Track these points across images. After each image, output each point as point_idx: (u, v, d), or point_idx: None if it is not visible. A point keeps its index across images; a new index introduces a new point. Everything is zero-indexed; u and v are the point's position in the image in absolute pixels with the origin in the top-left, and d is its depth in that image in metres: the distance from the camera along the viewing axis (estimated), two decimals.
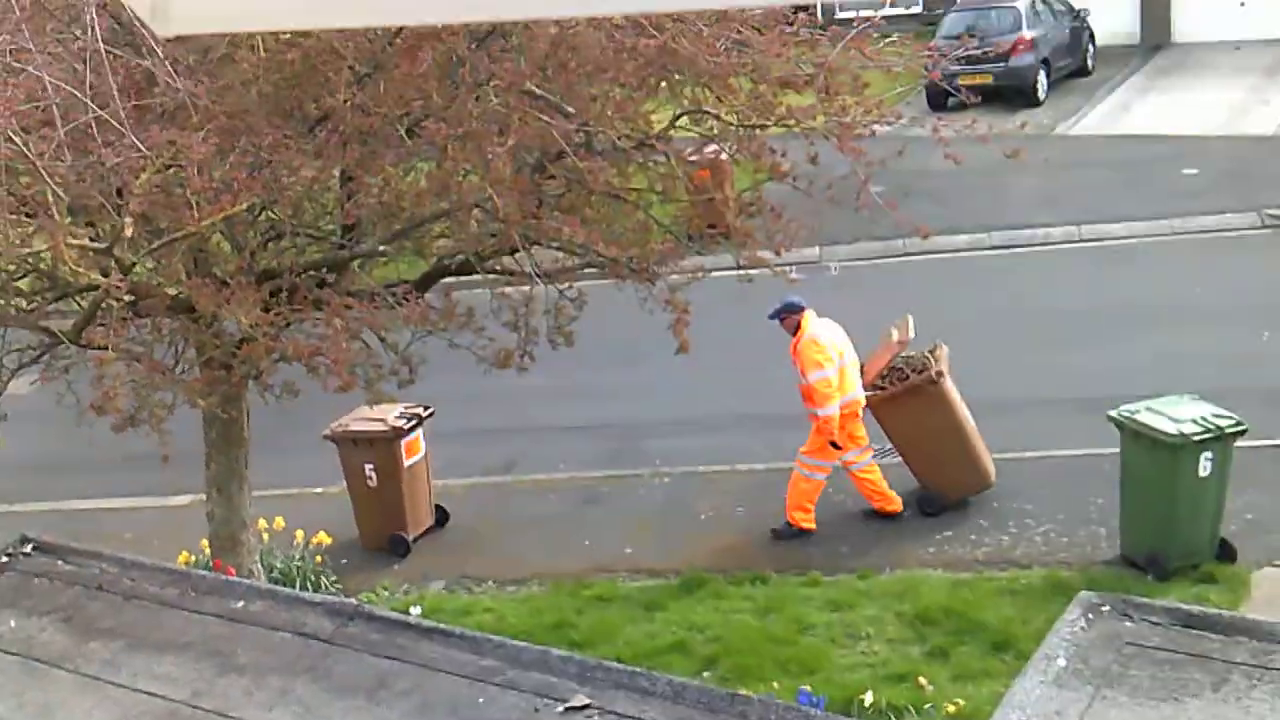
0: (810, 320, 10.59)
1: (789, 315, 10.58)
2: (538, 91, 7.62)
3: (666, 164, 8.44)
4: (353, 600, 4.51)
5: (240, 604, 4.42)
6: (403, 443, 11.32)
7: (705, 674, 8.86)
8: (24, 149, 6.57)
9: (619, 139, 7.96)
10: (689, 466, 12.33)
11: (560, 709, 3.62)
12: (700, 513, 11.51)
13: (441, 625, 4.22)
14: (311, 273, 8.44)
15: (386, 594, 10.70)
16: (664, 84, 8.26)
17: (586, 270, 9.34)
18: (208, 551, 9.98)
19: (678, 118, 8.42)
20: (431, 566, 11.26)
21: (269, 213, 8.41)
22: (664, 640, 9.52)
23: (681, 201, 9.17)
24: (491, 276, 9.16)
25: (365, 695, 3.81)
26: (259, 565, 10.11)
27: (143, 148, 6.77)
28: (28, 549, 4.96)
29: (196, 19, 0.76)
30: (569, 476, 12.69)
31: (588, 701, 3.63)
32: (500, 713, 3.66)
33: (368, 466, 11.33)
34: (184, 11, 0.74)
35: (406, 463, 11.39)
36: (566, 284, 9.09)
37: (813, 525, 10.83)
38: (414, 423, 11.39)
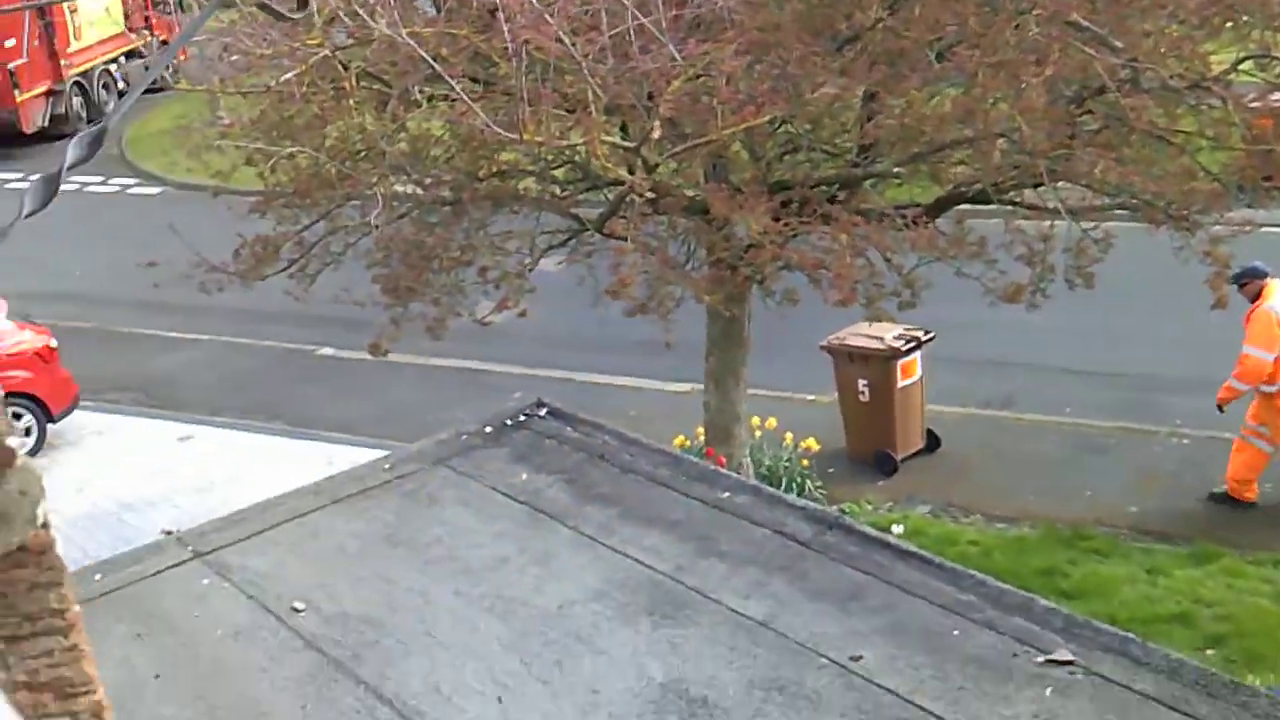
0: (1274, 290, 10.51)
1: (1250, 281, 10.58)
2: (1084, 23, 7.68)
3: (1222, 109, 8.19)
4: (834, 509, 5.00)
5: (726, 495, 4.96)
6: (899, 363, 11.92)
7: (1209, 652, 8.70)
8: (571, 50, 7.69)
9: (1170, 78, 7.87)
10: (1212, 431, 11.94)
11: (1040, 659, 3.69)
12: (1218, 482, 11.21)
13: (920, 551, 4.45)
14: (824, 187, 9.06)
15: (870, 508, 11.41)
16: (1229, 24, 8.03)
17: (1116, 211, 9.34)
18: (702, 438, 11.16)
19: (1240, 61, 8.13)
20: (918, 488, 11.82)
21: (788, 126, 9.12)
22: (1165, 609, 9.38)
23: (1236, 150, 8.85)
24: (1009, 208, 9.38)
25: (837, 603, 4.13)
26: (748, 459, 11.17)
27: (678, 56, 7.69)
28: (542, 412, 5.97)
29: None
30: (1073, 421, 12.67)
31: (1071, 658, 3.65)
32: (975, 649, 3.79)
33: (861, 382, 12.07)
34: None
35: (901, 383, 12.00)
36: (1093, 223, 9.15)
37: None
38: (912, 345, 11.94)
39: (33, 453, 13.04)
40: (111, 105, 28.51)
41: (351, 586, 4.58)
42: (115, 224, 21.28)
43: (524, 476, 5.30)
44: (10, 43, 25.73)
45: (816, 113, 8.76)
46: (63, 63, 27.27)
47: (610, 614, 4.26)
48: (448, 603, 4.42)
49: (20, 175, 24.38)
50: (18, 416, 12.93)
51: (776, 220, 8.50)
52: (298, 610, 4.44)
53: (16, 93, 25.94)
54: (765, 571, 4.41)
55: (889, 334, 11.73)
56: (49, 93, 26.92)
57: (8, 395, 12.60)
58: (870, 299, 8.99)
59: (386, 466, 5.53)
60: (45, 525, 0.64)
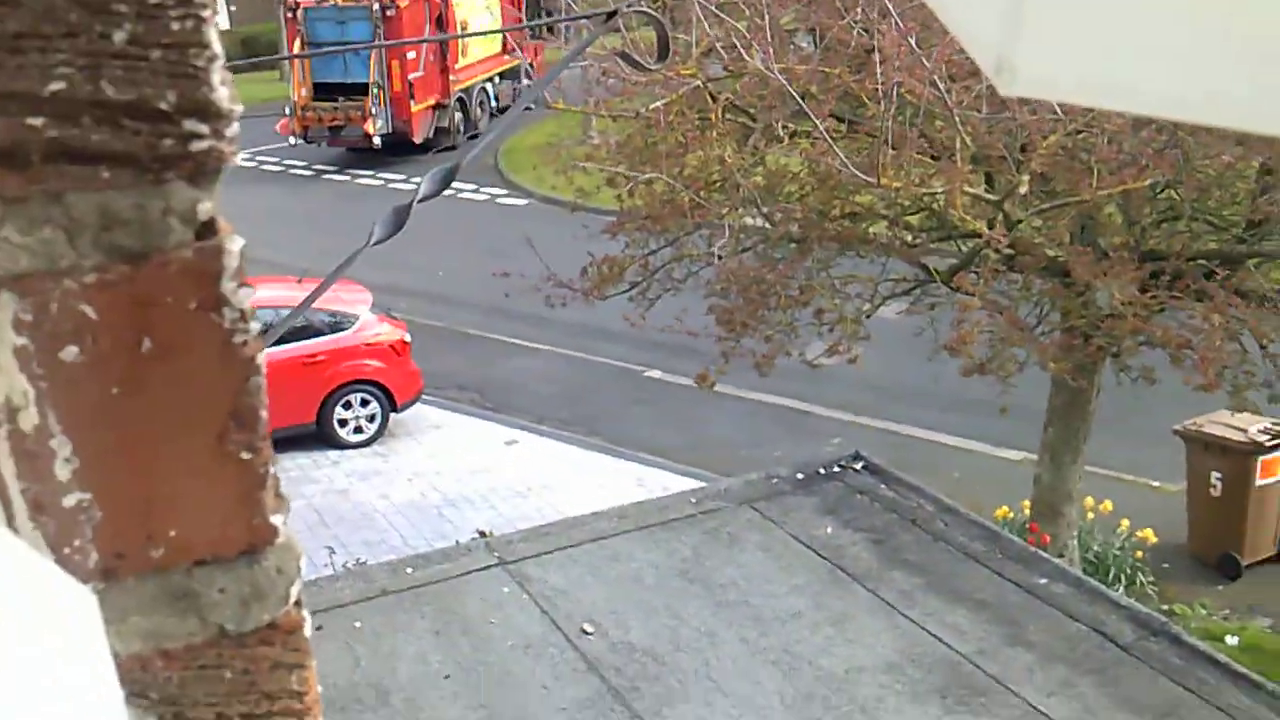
0: None
1: None
2: None
3: None
4: (1160, 615, 4.59)
5: (1043, 581, 4.67)
6: (1260, 459, 10.89)
7: None
8: (944, 96, 7.44)
9: None
10: None
11: None
12: None
13: (1254, 673, 4.06)
14: (1201, 262, 8.40)
15: (1204, 613, 10.48)
16: None
17: None
18: (1027, 513, 10.56)
19: None
20: (1262, 599, 10.78)
21: (1171, 192, 8.50)
22: None
23: None
24: None
25: (1152, 718, 3.82)
26: (1075, 542, 10.47)
27: (1060, 110, 7.28)
28: (858, 465, 5.77)
29: (1042, 84, 0.72)
30: None
31: None
32: None
33: (1214, 474, 11.10)
34: (1031, 75, 0.70)
35: (1259, 482, 10.96)
36: None
37: None
38: (1277, 441, 10.90)
39: (373, 439, 13.84)
40: (484, 123, 30.09)
41: (641, 617, 4.50)
42: (481, 230, 22.43)
43: (829, 530, 5.09)
44: (411, 55, 27.46)
45: (1205, 181, 8.11)
46: (450, 78, 28.92)
47: (900, 689, 3.99)
48: (733, 649, 4.25)
49: (404, 178, 26.16)
50: (365, 403, 13.76)
51: (1143, 291, 7.94)
52: (586, 632, 4.41)
53: (411, 104, 27.64)
54: (1075, 671, 4.12)
55: (1254, 426, 10.71)
56: (436, 106, 28.57)
57: (360, 382, 13.52)
58: (1237, 387, 8.26)
59: (693, 500, 5.43)
60: (298, 603, 0.54)
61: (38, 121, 0.56)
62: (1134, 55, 0.65)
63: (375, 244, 1.53)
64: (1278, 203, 7.90)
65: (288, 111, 27.31)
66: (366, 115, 26.80)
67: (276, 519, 0.62)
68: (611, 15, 1.60)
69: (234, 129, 0.58)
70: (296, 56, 30.10)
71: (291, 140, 27.61)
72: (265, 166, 28.62)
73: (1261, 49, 0.59)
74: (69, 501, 0.61)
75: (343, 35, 26.41)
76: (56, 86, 0.55)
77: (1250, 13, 0.59)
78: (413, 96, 27.56)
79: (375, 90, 26.80)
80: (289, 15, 27.14)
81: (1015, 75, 0.71)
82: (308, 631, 0.65)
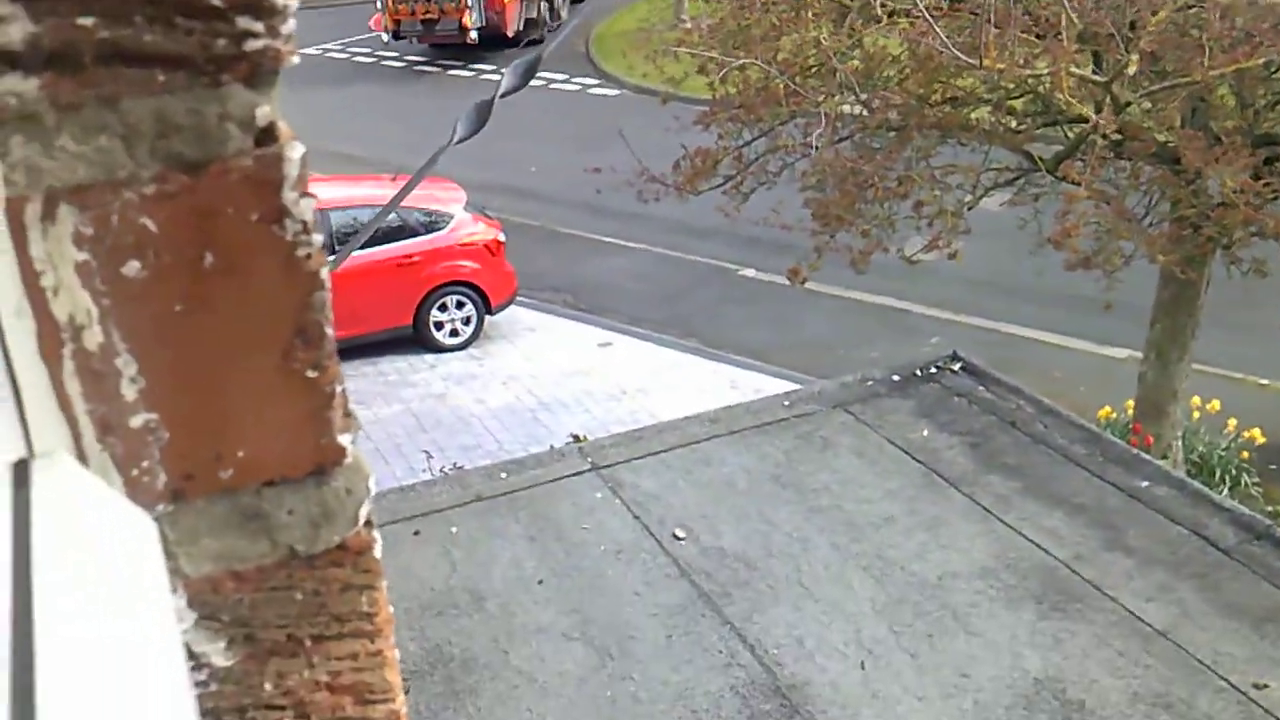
0: None
1: None
2: None
3: None
4: (1264, 518, 4.49)
5: (1145, 484, 4.55)
6: None
7: None
8: None
9: None
10: None
11: None
12: None
13: None
14: None
15: None
16: None
17: None
18: (1130, 413, 10.36)
19: None
20: None
21: None
22: None
23: None
24: None
25: (1250, 623, 3.76)
26: (1180, 443, 10.26)
27: None
28: (956, 366, 5.66)
29: None
30: None
31: None
32: None
33: None
34: None
35: None
36: None
37: None
38: None
39: (469, 341, 13.97)
40: (566, 10, 29.73)
41: (733, 522, 4.50)
42: (573, 122, 22.33)
43: (925, 433, 5.03)
44: None
45: None
46: None
47: (994, 594, 3.96)
48: (825, 555, 4.24)
49: (496, 68, 26.05)
50: (460, 305, 13.87)
51: (1256, 178, 7.65)
52: (678, 538, 4.43)
53: None
54: (1174, 575, 4.03)
55: None
56: None
57: (455, 283, 13.60)
58: None
59: (786, 404, 5.39)
60: (369, 524, 0.53)
61: (88, 21, 0.53)
62: None
63: (458, 142, 1.51)
64: None
65: (379, 5, 26.91)
66: (463, 7, 26.36)
67: (344, 439, 0.61)
68: None
69: (290, 25, 0.55)
70: None
71: (384, 36, 27.25)
72: (358, 59, 28.69)
73: None
74: (136, 422, 0.59)
75: None
76: None
77: None
78: None
79: None
80: None
81: None
82: (377, 552, 0.63)
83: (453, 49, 27.54)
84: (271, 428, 0.59)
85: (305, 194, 0.57)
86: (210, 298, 0.57)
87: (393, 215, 13.38)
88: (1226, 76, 7.63)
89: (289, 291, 0.57)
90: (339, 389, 0.59)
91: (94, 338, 0.58)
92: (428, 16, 26.81)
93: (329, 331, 0.58)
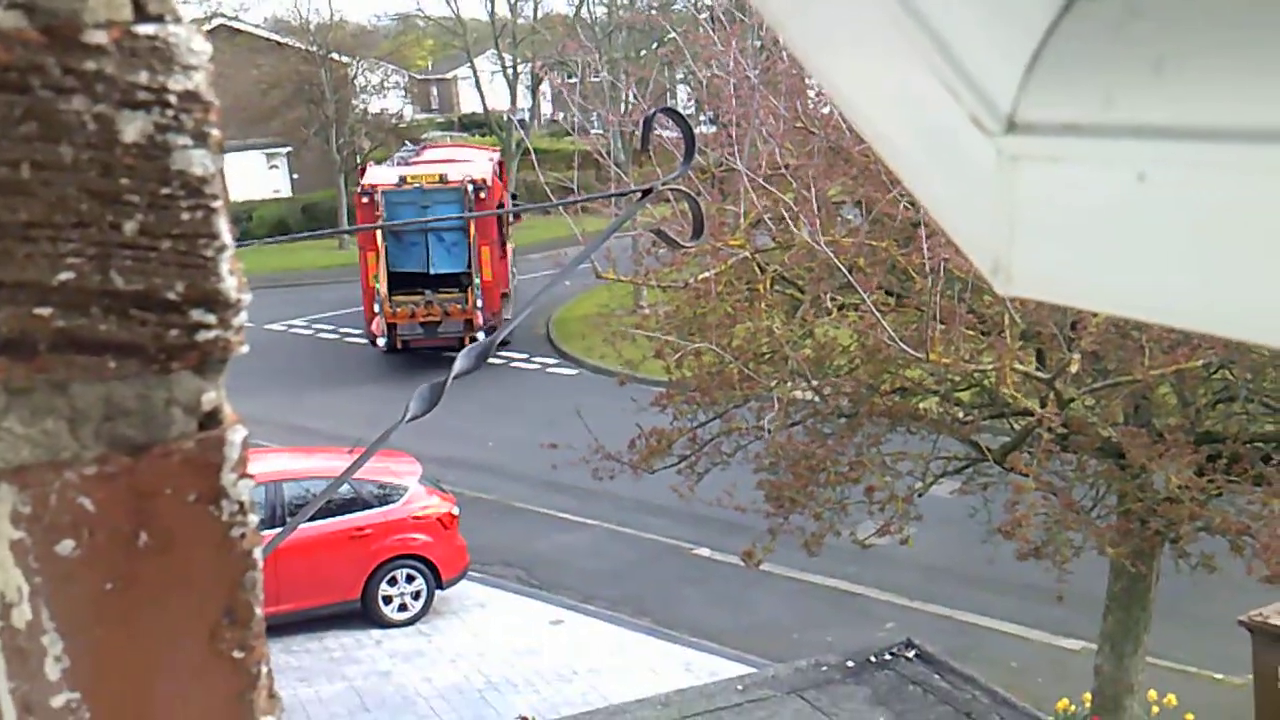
0: None
1: None
2: None
3: None
4: None
5: None
6: None
7: None
8: None
9: None
10: None
11: None
12: None
13: None
14: (1259, 445, 8.28)
15: None
16: None
17: None
18: (1088, 706, 10.19)
19: None
20: None
21: (1225, 372, 8.43)
22: None
23: None
24: None
25: None
26: None
27: None
28: (911, 653, 5.65)
29: (1037, 288, 0.74)
30: None
31: None
32: None
33: None
34: (1026, 279, 0.72)
35: None
36: None
37: None
38: None
39: (418, 617, 13.70)
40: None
41: None
42: (532, 400, 22.62)
43: None
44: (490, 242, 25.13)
45: (1260, 362, 8.03)
46: (510, 264, 27.29)
47: None
48: None
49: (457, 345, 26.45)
50: (411, 579, 13.67)
51: (1200, 475, 7.80)
52: None
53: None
54: None
55: None
56: (504, 294, 25.82)
57: (407, 557, 13.45)
58: None
59: (739, 688, 5.29)
60: None
61: (45, 311, 0.56)
62: (1123, 261, 0.65)
63: (410, 420, 1.54)
64: None
65: (375, 307, 24.15)
66: (471, 308, 23.90)
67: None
68: (647, 193, 1.63)
69: (241, 318, 0.58)
70: (349, 230, 30.10)
71: (379, 343, 24.30)
72: (322, 335, 29.17)
73: (1254, 265, 0.59)
74: (58, 702, 0.59)
75: (420, 213, 24.06)
76: (66, 276, 0.55)
77: (1243, 226, 0.59)
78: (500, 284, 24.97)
79: (476, 279, 23.87)
80: (364, 199, 24.07)
81: (1011, 277, 0.72)
82: None
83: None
84: (195, 709, 0.58)
85: (244, 475, 0.58)
86: (141, 576, 0.57)
87: (346, 487, 13.35)
88: (1167, 376, 7.89)
89: (221, 571, 0.58)
90: (264, 669, 0.59)
91: (22, 615, 0.58)
92: (428, 319, 24.19)
93: (258, 611, 0.59)
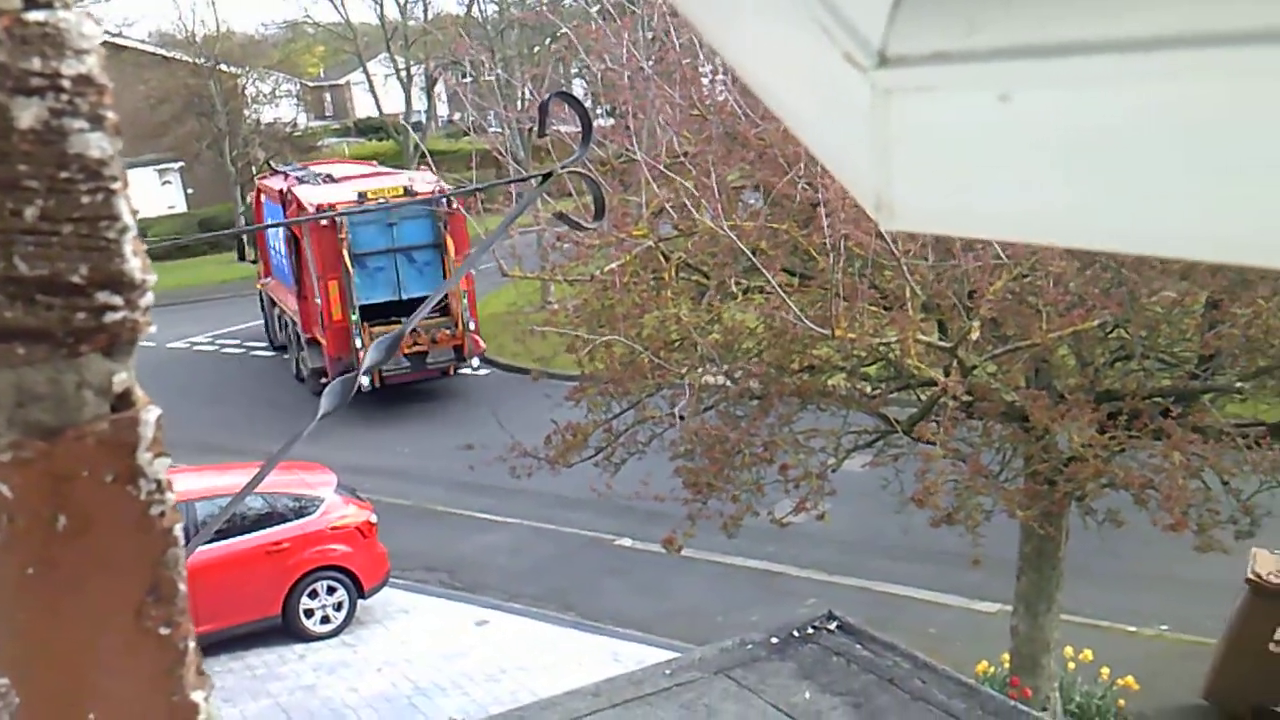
0: None
1: None
2: None
3: None
4: None
5: None
6: None
7: None
8: (891, 246, 7.60)
9: None
10: None
11: None
12: None
13: None
14: (1156, 400, 8.50)
15: None
16: None
17: None
18: (1007, 666, 10.40)
19: None
20: None
21: (1121, 331, 8.65)
22: None
23: None
24: None
25: None
26: (1057, 694, 10.29)
27: (1003, 255, 7.45)
28: (832, 626, 5.70)
29: (919, 220, 0.75)
30: None
31: None
32: None
33: None
34: (908, 212, 0.73)
35: None
36: None
37: None
38: None
39: (341, 628, 13.55)
40: None
41: None
42: (445, 403, 22.47)
43: (807, 695, 4.99)
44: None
45: (1153, 318, 8.26)
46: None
47: None
48: None
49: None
50: (332, 590, 13.51)
51: (1102, 432, 8.01)
52: None
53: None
54: None
55: None
56: None
57: (326, 568, 13.29)
58: (1202, 525, 8.24)
59: (667, 672, 5.32)
60: None
61: None
62: (996, 184, 0.68)
63: (323, 417, 1.53)
64: (1226, 337, 8.04)
65: (353, 344, 21.25)
66: (460, 333, 21.65)
67: (197, 695, 0.61)
68: (548, 177, 1.64)
69: (148, 299, 0.59)
70: (246, 231, 29.10)
71: (363, 384, 19.98)
72: (226, 350, 28.70)
73: (1117, 176, 0.61)
74: None
75: (394, 243, 21.30)
76: None
77: (1104, 138, 0.61)
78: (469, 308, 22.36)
79: (464, 300, 21.55)
80: (320, 222, 21.47)
81: (894, 212, 0.74)
82: None
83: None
84: (124, 688, 0.59)
85: (160, 454, 0.59)
86: (63, 559, 0.58)
87: (260, 502, 13.15)
88: (1064, 338, 8.07)
89: (142, 550, 0.59)
90: (190, 645, 0.60)
91: None
92: (415, 349, 21.61)
93: (182, 588, 0.59)
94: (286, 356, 25.56)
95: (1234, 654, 10.68)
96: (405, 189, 21.73)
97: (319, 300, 21.78)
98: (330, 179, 24.13)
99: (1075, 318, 7.67)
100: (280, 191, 23.86)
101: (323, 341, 21.97)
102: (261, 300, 27.80)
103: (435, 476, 18.26)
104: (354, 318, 21.20)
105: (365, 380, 16.63)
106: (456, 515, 16.99)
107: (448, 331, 21.75)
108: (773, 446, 9.13)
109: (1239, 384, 8.47)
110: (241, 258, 30.06)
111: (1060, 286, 7.71)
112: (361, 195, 21.75)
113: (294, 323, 23.93)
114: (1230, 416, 8.80)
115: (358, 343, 21.08)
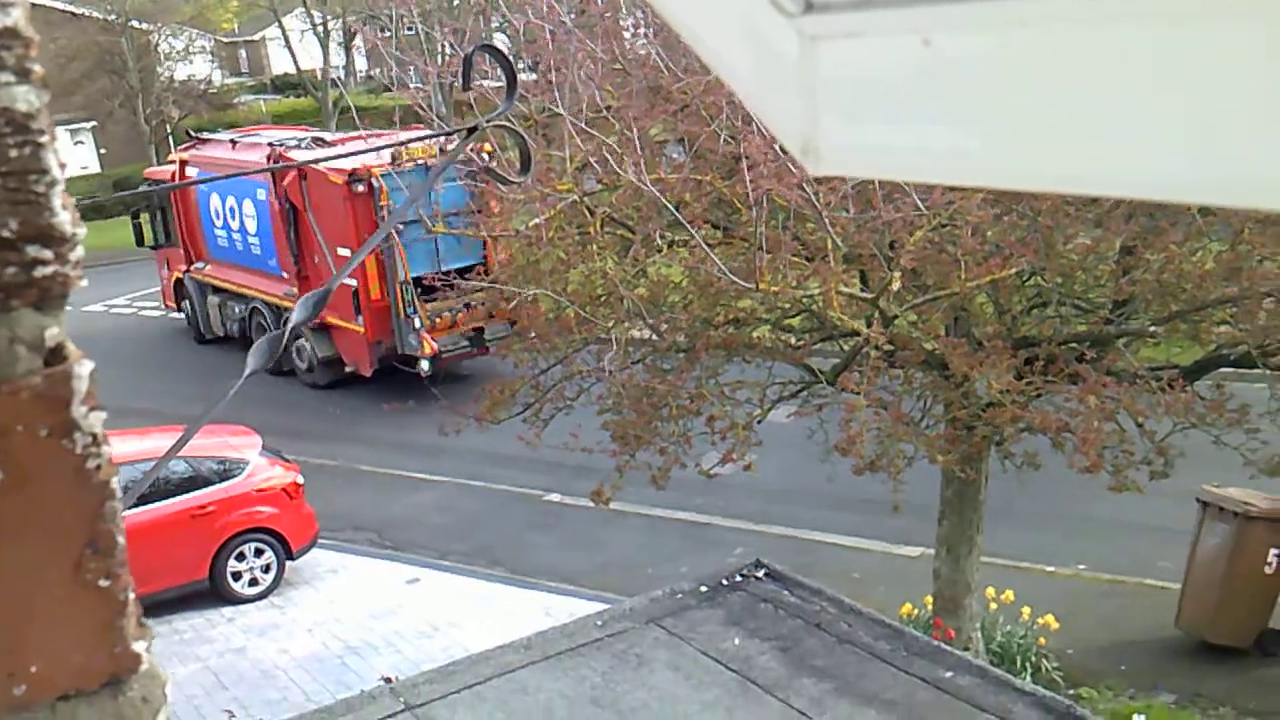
0: None
1: None
2: None
3: None
4: (1066, 700, 4.62)
5: (949, 674, 4.69)
6: None
7: None
8: (812, 198, 7.65)
9: None
10: None
11: None
12: None
13: None
14: (1072, 345, 8.67)
15: (1110, 695, 10.58)
16: None
17: None
18: (930, 608, 10.62)
19: None
20: (1163, 676, 10.93)
21: (1037, 279, 8.80)
22: None
23: None
24: (1275, 373, 8.73)
25: None
26: (979, 634, 10.54)
27: (922, 206, 7.53)
28: (760, 573, 5.78)
29: (845, 164, 0.77)
30: None
31: None
32: None
33: (1273, 551, 10.73)
34: (834, 157, 0.75)
35: None
36: None
37: None
38: None
39: (270, 590, 13.46)
40: None
41: None
42: None
43: (737, 641, 5.07)
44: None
45: (1068, 266, 8.41)
46: None
47: None
48: None
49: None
50: (259, 552, 13.41)
51: (1019, 378, 8.15)
52: None
53: None
54: None
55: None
56: None
57: (253, 530, 13.16)
58: (1117, 467, 8.44)
59: (598, 623, 5.37)
60: None
61: None
62: (920, 127, 0.69)
63: (250, 374, 1.52)
64: (1139, 282, 8.21)
65: (416, 324, 19.02)
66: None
67: (139, 646, 0.61)
68: (473, 130, 1.63)
69: (78, 253, 0.58)
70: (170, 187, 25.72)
71: (423, 368, 18.12)
72: (145, 312, 28.19)
73: (1032, 115, 0.63)
74: None
75: (430, 204, 17.62)
76: None
77: (1019, 78, 0.63)
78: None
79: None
80: (356, 189, 18.92)
81: (820, 157, 0.75)
82: None
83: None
84: (65, 640, 0.59)
85: (95, 408, 0.59)
86: (0, 514, 0.58)
87: (184, 466, 12.99)
88: (982, 287, 8.19)
89: (80, 503, 0.59)
90: (131, 596, 0.60)
91: None
92: (473, 325, 19.23)
93: (120, 540, 0.60)
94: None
95: (1231, 584, 10.89)
96: (441, 147, 18.03)
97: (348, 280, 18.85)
98: (321, 142, 21.13)
99: (993, 266, 7.79)
100: (272, 159, 20.22)
101: (354, 326, 19.64)
102: (187, 291, 24.54)
103: (364, 438, 18.16)
104: (405, 295, 18.87)
105: (426, 365, 14.90)
106: (385, 475, 16.91)
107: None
108: (699, 399, 9.19)
109: (1152, 328, 8.66)
110: (140, 242, 25.80)
111: (978, 236, 7.82)
112: (395, 157, 18.71)
113: (275, 310, 21.05)
114: (1144, 360, 9.00)
115: (416, 322, 18.84)
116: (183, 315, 25.27)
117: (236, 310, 23.08)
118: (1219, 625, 10.93)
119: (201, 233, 23.74)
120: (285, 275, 20.90)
